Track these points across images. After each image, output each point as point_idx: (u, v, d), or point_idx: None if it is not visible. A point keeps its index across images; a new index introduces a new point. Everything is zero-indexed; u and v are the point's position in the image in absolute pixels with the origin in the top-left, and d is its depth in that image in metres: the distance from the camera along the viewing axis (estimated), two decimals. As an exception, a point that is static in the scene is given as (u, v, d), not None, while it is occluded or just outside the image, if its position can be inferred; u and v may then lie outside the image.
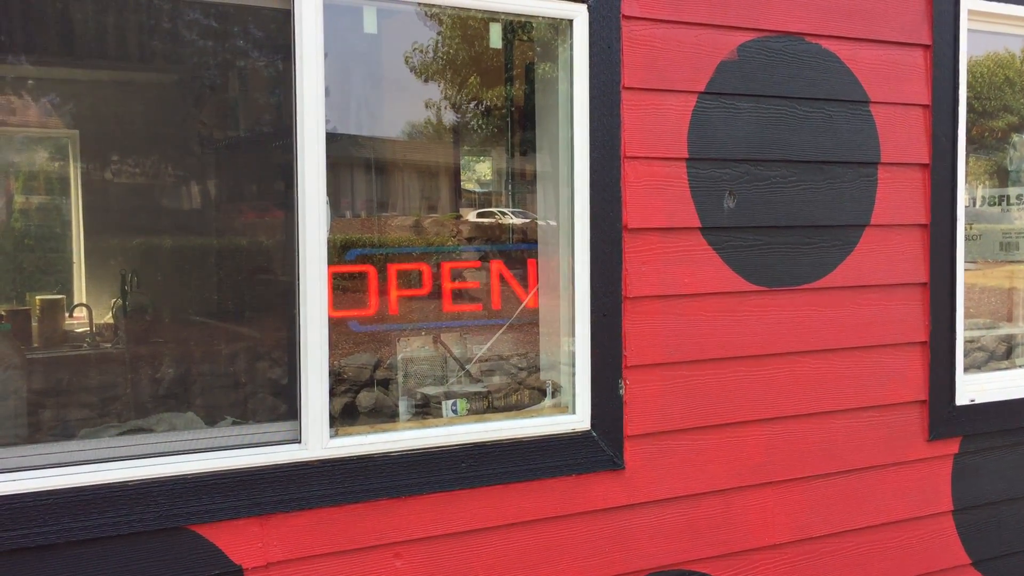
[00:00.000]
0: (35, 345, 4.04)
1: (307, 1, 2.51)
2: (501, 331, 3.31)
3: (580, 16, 2.81)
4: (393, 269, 3.03)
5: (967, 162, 3.45)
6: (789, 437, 3.17)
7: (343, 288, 2.95)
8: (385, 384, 3.44)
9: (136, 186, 4.66)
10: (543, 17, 2.85)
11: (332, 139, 2.62)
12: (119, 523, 2.32)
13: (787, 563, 3.20)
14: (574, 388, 2.88)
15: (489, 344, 3.36)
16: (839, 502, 3.27)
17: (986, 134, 4.40)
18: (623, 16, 2.86)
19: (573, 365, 2.89)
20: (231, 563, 2.45)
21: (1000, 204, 4.32)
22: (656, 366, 2.95)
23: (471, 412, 3.08)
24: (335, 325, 2.74)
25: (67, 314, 4.40)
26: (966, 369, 3.55)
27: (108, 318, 4.40)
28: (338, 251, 3.11)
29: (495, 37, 3.40)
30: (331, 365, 2.61)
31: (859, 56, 3.23)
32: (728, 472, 3.08)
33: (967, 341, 3.66)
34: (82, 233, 4.55)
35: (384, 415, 3.32)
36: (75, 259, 4.56)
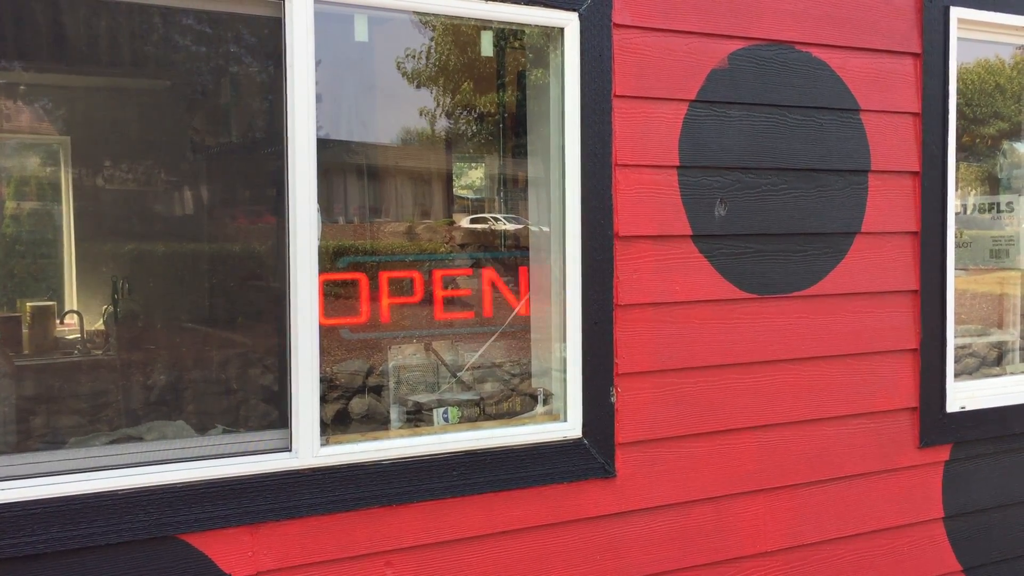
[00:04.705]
0: (25, 352, 4.02)
1: (298, 9, 2.51)
2: (493, 338, 3.30)
3: (571, 24, 2.82)
4: (385, 277, 3.02)
5: (958, 169, 3.46)
6: (780, 444, 3.18)
7: (335, 295, 2.94)
8: (378, 391, 3.43)
9: (128, 192, 4.65)
10: (534, 25, 2.85)
11: (324, 145, 2.62)
12: (108, 532, 2.31)
13: (778, 571, 3.20)
14: (566, 395, 2.88)
15: (481, 351, 3.35)
16: (830, 509, 3.28)
17: (977, 141, 4.41)
18: (614, 24, 2.87)
19: (565, 372, 2.89)
20: (221, 572, 2.44)
21: (990, 211, 4.33)
22: (647, 374, 2.95)
23: (463, 419, 3.08)
24: (326, 332, 2.73)
25: (58, 321, 4.39)
26: (957, 375, 3.56)
27: (99, 325, 4.38)
28: (330, 258, 3.11)
29: (486, 45, 3.40)
30: (323, 371, 2.61)
31: (849, 64, 3.24)
32: (719, 480, 3.08)
33: (958, 347, 3.67)
34: (73, 239, 4.54)
35: (377, 422, 3.31)
36: (66, 265, 4.54)
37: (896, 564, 3.41)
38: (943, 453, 3.48)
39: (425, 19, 3.48)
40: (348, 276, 3.04)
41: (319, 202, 2.57)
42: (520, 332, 3.21)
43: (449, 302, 3.22)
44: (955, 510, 3.51)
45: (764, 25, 3.10)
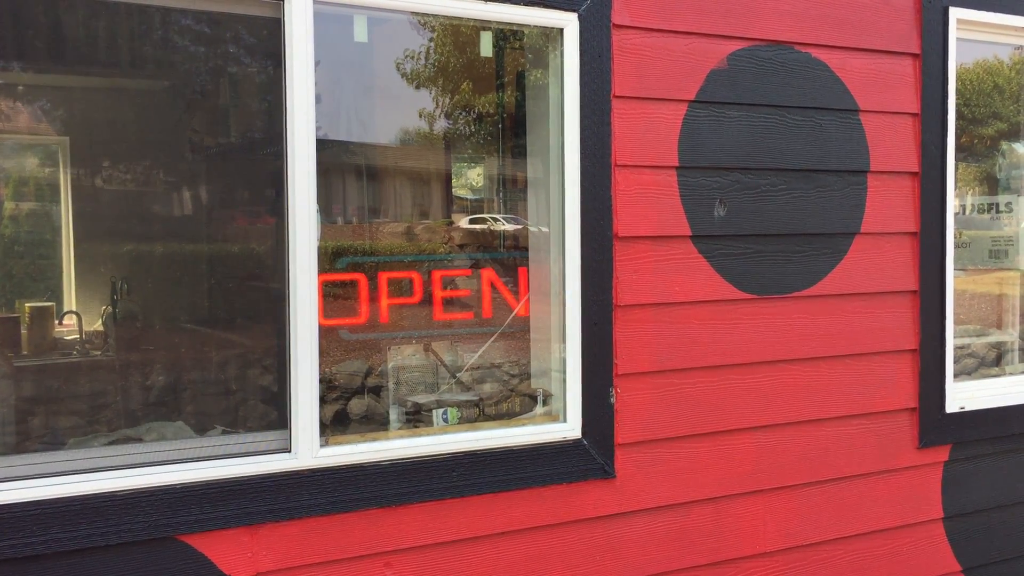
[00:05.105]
0: (24, 353, 4.02)
1: (297, 10, 2.51)
2: (492, 339, 3.30)
3: (571, 25, 2.82)
4: (384, 277, 3.02)
5: (957, 170, 3.46)
6: (779, 445, 3.18)
7: (334, 295, 2.94)
8: (376, 391, 3.43)
9: (126, 193, 4.65)
10: (534, 26, 2.85)
11: (323, 146, 2.61)
12: (108, 533, 2.31)
13: (777, 571, 3.20)
14: (565, 396, 2.88)
15: (480, 352, 3.35)
16: (829, 510, 3.28)
17: (976, 141, 4.41)
18: (613, 25, 2.87)
19: (564, 373, 2.89)
20: (221, 573, 2.44)
21: (989, 211, 4.33)
22: (647, 374, 2.95)
23: (462, 420, 3.07)
24: (325, 333, 2.73)
25: (57, 321, 4.38)
26: (957, 376, 3.56)
27: (98, 325, 4.38)
28: (329, 259, 3.10)
29: (486, 45, 3.40)
30: (322, 372, 2.61)
31: (849, 65, 3.24)
32: (719, 480, 3.08)
33: (957, 348, 3.67)
34: (72, 240, 4.53)
35: (376, 422, 3.31)
36: (65, 266, 4.54)
37: (895, 564, 3.41)
38: (942, 454, 3.48)
39: (424, 20, 3.48)
40: (347, 277, 3.04)
41: (318, 202, 2.57)
42: (519, 333, 3.21)
43: (448, 303, 3.21)
44: (954, 510, 3.51)
45: (763, 26, 3.10)
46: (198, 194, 4.61)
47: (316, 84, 2.55)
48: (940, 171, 3.39)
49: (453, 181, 5.64)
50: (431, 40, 4.54)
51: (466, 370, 3.38)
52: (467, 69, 4.70)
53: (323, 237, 2.66)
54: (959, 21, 3.43)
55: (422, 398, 3.21)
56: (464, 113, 5.10)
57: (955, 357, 3.53)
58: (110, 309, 4.32)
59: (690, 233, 3.00)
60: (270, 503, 2.48)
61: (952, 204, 3.43)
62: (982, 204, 4.39)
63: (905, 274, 3.37)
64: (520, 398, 3.21)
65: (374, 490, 2.60)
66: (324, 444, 2.58)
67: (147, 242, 4.52)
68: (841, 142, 3.24)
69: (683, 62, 2.97)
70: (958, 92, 3.47)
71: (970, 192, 4.50)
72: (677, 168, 2.98)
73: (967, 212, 4.39)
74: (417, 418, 3.14)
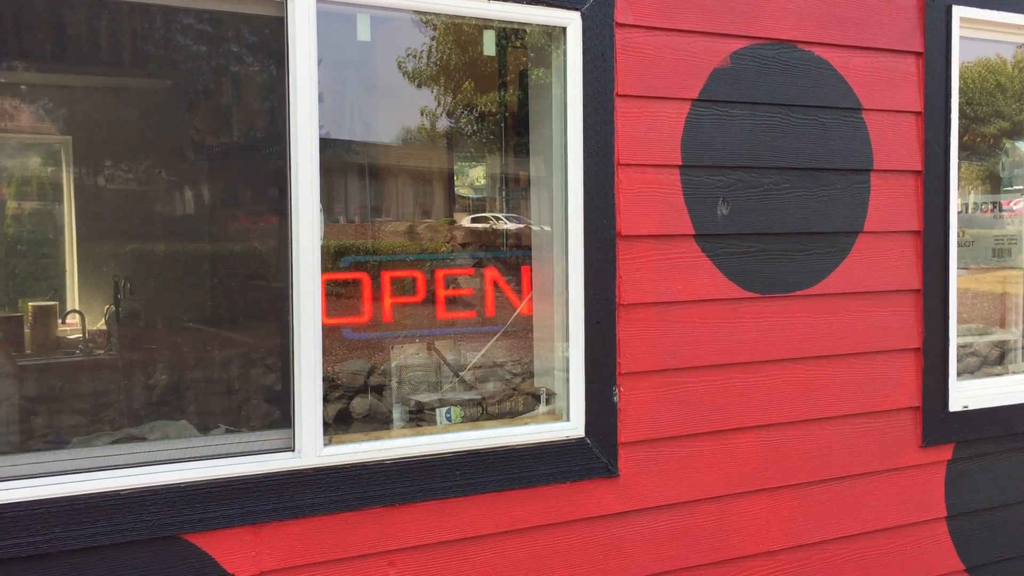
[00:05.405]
0: (28, 352, 4.03)
1: (300, 8, 2.51)
2: (495, 338, 3.30)
3: (573, 24, 2.81)
4: (387, 276, 3.02)
5: (960, 168, 3.46)
6: (783, 444, 3.18)
7: (337, 294, 2.94)
8: (379, 390, 3.44)
9: (129, 192, 4.65)
10: (536, 24, 2.85)
11: (326, 145, 2.62)
12: (112, 532, 2.31)
13: (781, 570, 3.20)
14: (568, 395, 2.88)
15: (483, 351, 3.35)
16: (832, 509, 3.28)
17: (979, 140, 4.41)
18: (616, 24, 2.86)
19: (567, 372, 2.89)
20: (224, 572, 2.44)
21: (992, 210, 4.33)
22: (650, 373, 2.95)
23: (465, 419, 3.07)
24: (328, 332, 2.73)
25: (60, 320, 4.39)
26: (959, 375, 3.55)
27: (101, 324, 4.39)
28: (332, 258, 3.11)
29: (488, 44, 3.40)
30: (325, 371, 2.61)
31: (852, 63, 3.24)
32: (722, 479, 3.08)
33: (960, 346, 3.67)
34: (75, 239, 4.54)
35: (378, 421, 3.31)
36: (68, 265, 4.55)
37: (898, 563, 3.41)
38: (945, 452, 3.48)
39: (426, 18, 3.48)
40: (350, 276, 3.04)
41: (321, 201, 2.57)
42: (522, 332, 3.21)
43: (451, 301, 3.22)
44: (958, 509, 3.51)
45: (766, 24, 3.09)
46: (201, 193, 4.61)
47: (319, 83, 2.55)
48: (943, 169, 3.39)
49: (455, 180, 5.64)
50: (433, 39, 4.55)
51: (469, 369, 3.38)
52: (469, 68, 4.70)
53: (326, 236, 2.66)
54: (962, 19, 3.42)
55: (425, 397, 3.22)
56: (466, 112, 5.10)
57: (958, 356, 3.52)
58: (113, 308, 4.33)
59: (693, 232, 3.00)
60: (273, 502, 2.48)
61: (955, 202, 3.43)
62: (985, 202, 4.39)
63: (908, 273, 3.36)
64: (523, 397, 3.21)
65: (377, 489, 2.60)
66: (327, 443, 2.58)
67: (150, 241, 4.52)
68: (844, 140, 3.23)
69: (686, 61, 2.97)
70: (961, 90, 3.47)
71: (973, 191, 4.50)
72: (680, 167, 2.97)
73: (970, 211, 4.38)
74: (420, 417, 3.15)
